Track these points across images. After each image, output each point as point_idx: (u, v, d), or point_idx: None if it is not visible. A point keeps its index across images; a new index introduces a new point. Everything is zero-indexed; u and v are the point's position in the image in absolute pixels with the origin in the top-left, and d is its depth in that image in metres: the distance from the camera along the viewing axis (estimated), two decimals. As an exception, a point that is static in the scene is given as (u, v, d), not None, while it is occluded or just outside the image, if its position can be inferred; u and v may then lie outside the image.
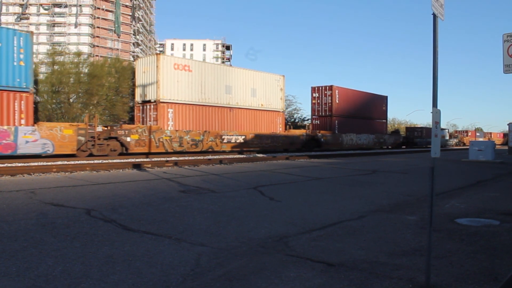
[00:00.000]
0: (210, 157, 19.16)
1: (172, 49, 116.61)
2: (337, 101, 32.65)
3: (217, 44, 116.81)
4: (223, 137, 23.61)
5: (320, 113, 32.98)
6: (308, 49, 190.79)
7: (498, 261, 3.93)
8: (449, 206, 6.95)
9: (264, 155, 22.09)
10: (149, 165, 14.10)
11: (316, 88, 33.32)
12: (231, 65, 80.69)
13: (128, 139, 19.59)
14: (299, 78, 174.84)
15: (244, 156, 22.00)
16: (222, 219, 5.59)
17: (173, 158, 17.86)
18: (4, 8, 76.95)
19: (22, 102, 16.07)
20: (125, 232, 4.77)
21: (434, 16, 3.42)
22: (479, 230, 5.19)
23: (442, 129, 62.25)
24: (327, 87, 32.63)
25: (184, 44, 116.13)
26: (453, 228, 5.28)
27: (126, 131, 19.64)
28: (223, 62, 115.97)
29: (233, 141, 24.19)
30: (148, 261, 3.74)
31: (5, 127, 15.37)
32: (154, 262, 3.72)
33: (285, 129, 29.16)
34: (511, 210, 6.68)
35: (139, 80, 22.51)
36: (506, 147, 39.93)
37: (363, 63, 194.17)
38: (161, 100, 21.07)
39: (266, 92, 26.95)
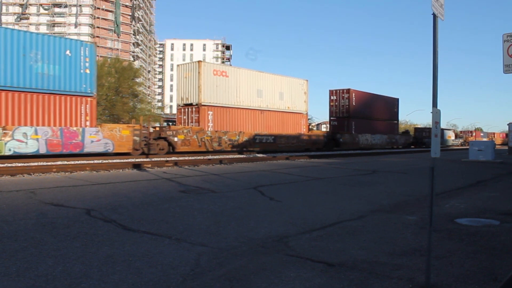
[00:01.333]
0: (210, 157, 19.20)
1: (172, 49, 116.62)
2: (354, 104, 34.40)
3: (217, 44, 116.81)
4: (255, 137, 25.47)
5: (338, 115, 34.74)
6: (308, 49, 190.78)
7: (498, 261, 3.93)
8: (449, 206, 6.95)
9: (264, 155, 22.11)
10: (149, 165, 14.10)
11: (334, 91, 35.03)
12: (231, 65, 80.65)
13: (176, 139, 21.35)
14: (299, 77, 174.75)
15: (244, 156, 22.04)
16: (222, 219, 5.59)
17: (173, 158, 17.88)
18: (4, 8, 76.91)
19: (87, 105, 17.99)
20: (125, 232, 4.77)
21: (434, 16, 3.42)
22: (479, 230, 5.18)
23: (449, 130, 65.37)
24: (345, 90, 34.43)
25: (184, 44, 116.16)
26: (453, 228, 5.28)
27: (174, 132, 21.40)
28: (223, 62, 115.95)
29: (264, 141, 26.13)
30: (148, 261, 3.74)
31: (75, 128, 17.34)
32: (154, 262, 3.72)
33: (308, 129, 31.02)
34: (511, 210, 6.68)
35: (180, 84, 24.34)
36: (506, 147, 39.95)
37: (363, 63, 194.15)
38: (202, 104, 22.99)
39: (292, 95, 28.77)
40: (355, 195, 8.05)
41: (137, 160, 17.12)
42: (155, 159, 17.91)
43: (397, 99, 42.46)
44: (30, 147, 16.05)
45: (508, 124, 32.34)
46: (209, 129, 23.15)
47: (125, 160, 16.68)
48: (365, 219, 5.80)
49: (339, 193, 8.46)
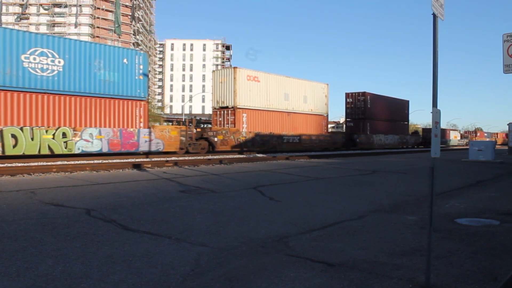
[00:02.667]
0: (210, 157, 19.22)
1: (172, 49, 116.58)
2: (369, 106, 36.84)
3: (217, 44, 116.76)
4: (283, 137, 27.81)
5: (354, 116, 37.15)
6: (308, 49, 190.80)
7: (498, 261, 3.93)
8: (449, 206, 6.95)
9: (264, 155, 22.12)
10: (149, 165, 14.10)
11: (350, 94, 37.28)
12: (231, 65, 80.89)
13: (216, 139, 23.49)
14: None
15: (244, 156, 22.07)
16: (222, 219, 5.59)
17: (173, 158, 17.89)
18: (4, 8, 76.91)
19: (141, 108, 20.03)
20: (125, 232, 4.77)
21: (434, 16, 3.42)
22: (479, 230, 5.18)
23: (455, 130, 70.02)
24: (360, 93, 36.72)
25: (184, 44, 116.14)
26: (453, 228, 5.28)
27: (214, 133, 23.62)
28: (223, 62, 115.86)
29: (291, 141, 28.42)
30: (148, 261, 3.74)
31: (131, 129, 19.39)
32: (154, 262, 3.72)
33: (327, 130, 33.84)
34: (511, 210, 6.68)
35: (216, 89, 26.47)
36: (506, 147, 40.00)
37: (361, 62, 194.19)
38: (238, 106, 25.18)
39: (314, 98, 31.19)
40: (355, 195, 8.05)
41: (137, 160, 17.13)
42: (155, 159, 17.92)
43: (408, 101, 44.40)
44: (95, 146, 18.18)
45: (508, 124, 32.34)
46: (244, 130, 25.28)
47: (125, 160, 16.69)
48: (365, 219, 5.80)
49: (339, 193, 8.46)
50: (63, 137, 17.21)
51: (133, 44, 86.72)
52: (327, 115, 32.78)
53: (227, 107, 25.71)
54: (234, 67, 25.54)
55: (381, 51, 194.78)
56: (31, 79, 16.62)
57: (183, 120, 42.44)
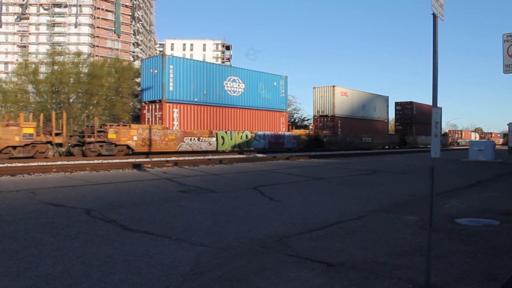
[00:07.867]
0: (210, 157, 19.26)
1: (172, 49, 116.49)
2: (415, 113, 45.86)
3: (217, 44, 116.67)
4: (362, 138, 36.81)
5: (402, 121, 46.54)
6: (308, 49, 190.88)
7: (498, 261, 3.93)
8: (449, 206, 6.95)
9: (264, 155, 22.20)
10: (149, 165, 14.10)
11: (399, 103, 46.86)
12: (230, 64, 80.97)
13: (325, 140, 31.73)
14: (299, 78, 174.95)
15: (244, 156, 22.14)
16: (222, 219, 5.59)
17: (173, 158, 17.90)
18: (4, 8, 76.93)
19: (283, 117, 29.10)
20: (125, 232, 4.77)
21: (434, 16, 3.42)
22: (479, 230, 5.18)
23: (474, 132, 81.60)
24: (408, 103, 46.13)
25: (184, 44, 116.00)
26: (453, 228, 5.28)
27: (323, 135, 31.94)
28: (223, 62, 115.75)
29: (367, 141, 37.63)
30: (148, 261, 3.74)
31: (280, 132, 28.37)
32: (154, 262, 3.72)
33: (387, 132, 43.25)
34: (511, 210, 6.68)
35: (316, 101, 34.48)
36: (506, 147, 40.02)
37: (361, 62, 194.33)
38: (335, 115, 33.39)
39: (380, 108, 40.08)
40: (355, 195, 8.05)
41: (137, 160, 17.13)
42: (155, 159, 17.92)
43: (441, 108, 52.39)
44: (261, 144, 26.57)
45: (508, 124, 32.34)
46: (339, 133, 33.43)
47: (125, 160, 16.69)
48: (365, 219, 5.80)
49: (339, 193, 8.46)
50: (245, 138, 25.45)
51: (133, 44, 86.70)
52: (387, 121, 42.25)
53: (326, 116, 33.76)
54: (333, 86, 33.36)
55: (377, 50, 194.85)
56: (228, 98, 25.05)
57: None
